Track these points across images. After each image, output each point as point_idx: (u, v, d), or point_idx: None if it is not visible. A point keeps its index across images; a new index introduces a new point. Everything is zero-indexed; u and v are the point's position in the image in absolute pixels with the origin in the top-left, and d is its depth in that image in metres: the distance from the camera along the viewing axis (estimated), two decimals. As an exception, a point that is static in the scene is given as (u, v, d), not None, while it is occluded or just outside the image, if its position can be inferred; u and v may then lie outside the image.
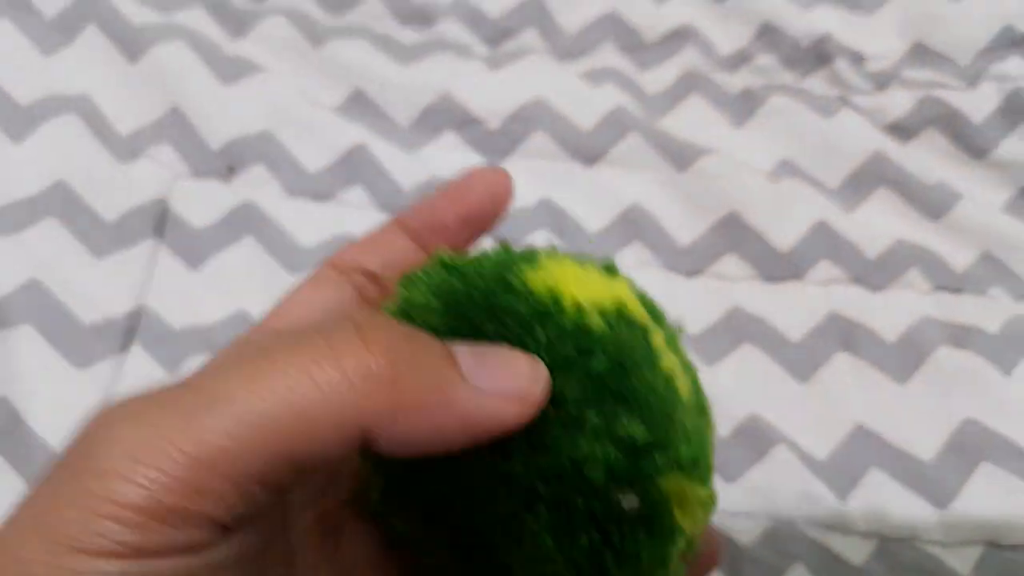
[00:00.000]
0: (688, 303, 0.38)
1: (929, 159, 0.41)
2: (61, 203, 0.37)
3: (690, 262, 0.39)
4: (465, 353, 0.18)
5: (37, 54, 0.40)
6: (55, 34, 0.40)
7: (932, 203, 0.40)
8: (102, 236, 0.37)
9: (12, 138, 0.38)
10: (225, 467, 0.14)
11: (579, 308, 0.18)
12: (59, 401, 0.32)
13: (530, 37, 0.45)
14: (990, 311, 0.37)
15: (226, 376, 0.15)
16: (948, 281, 0.38)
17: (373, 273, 0.24)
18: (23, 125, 0.38)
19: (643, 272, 0.38)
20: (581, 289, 0.18)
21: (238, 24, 0.43)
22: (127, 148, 0.39)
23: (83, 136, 0.38)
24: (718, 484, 0.32)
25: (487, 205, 0.23)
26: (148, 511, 0.13)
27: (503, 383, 0.18)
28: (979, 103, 0.41)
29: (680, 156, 0.40)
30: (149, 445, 0.14)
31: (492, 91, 0.42)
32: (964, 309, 0.38)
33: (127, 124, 0.40)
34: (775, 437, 0.34)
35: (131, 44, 0.40)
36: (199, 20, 0.42)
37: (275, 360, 0.15)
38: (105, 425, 0.15)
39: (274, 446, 0.14)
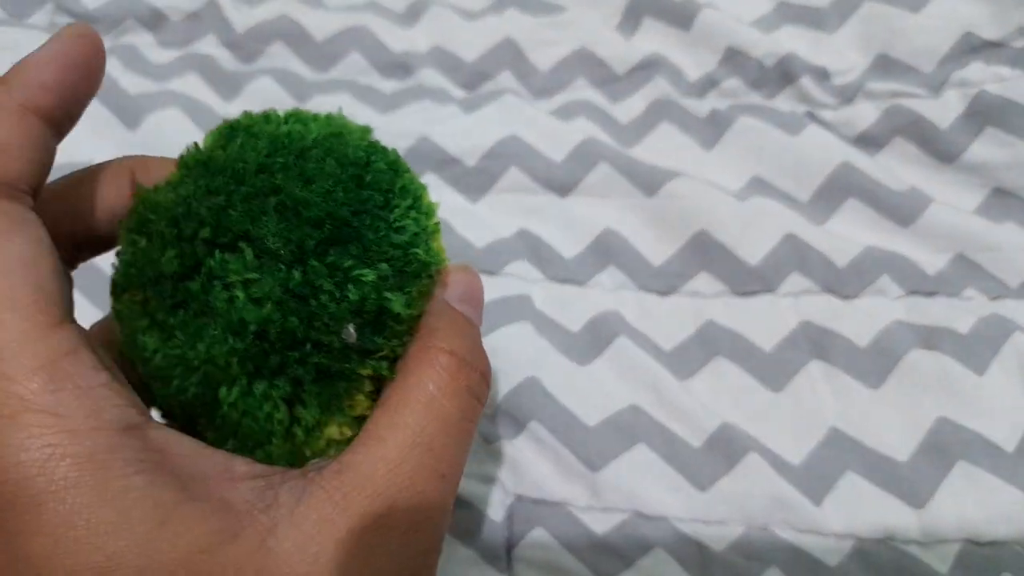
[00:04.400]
0: (663, 321, 0.38)
1: (898, 167, 0.41)
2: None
3: (664, 282, 0.39)
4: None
5: (44, 128, 0.42)
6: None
7: (903, 209, 0.39)
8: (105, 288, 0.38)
9: (23, 206, 0.40)
10: None
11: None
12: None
13: (505, 79, 0.46)
14: (961, 312, 0.37)
15: None
16: (921, 285, 0.38)
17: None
18: (32, 193, 0.40)
19: (619, 294, 0.39)
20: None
21: (229, 87, 0.45)
22: (129, 207, 0.41)
23: (88, 199, 0.40)
24: (689, 494, 0.33)
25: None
26: None
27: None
28: (944, 109, 0.41)
29: (648, 181, 0.40)
30: None
31: (468, 132, 0.43)
32: (935, 311, 0.37)
33: (128, 185, 0.41)
34: (748, 445, 0.34)
35: (130, 112, 0.42)
36: (193, 86, 0.44)
37: None
38: None
39: None
